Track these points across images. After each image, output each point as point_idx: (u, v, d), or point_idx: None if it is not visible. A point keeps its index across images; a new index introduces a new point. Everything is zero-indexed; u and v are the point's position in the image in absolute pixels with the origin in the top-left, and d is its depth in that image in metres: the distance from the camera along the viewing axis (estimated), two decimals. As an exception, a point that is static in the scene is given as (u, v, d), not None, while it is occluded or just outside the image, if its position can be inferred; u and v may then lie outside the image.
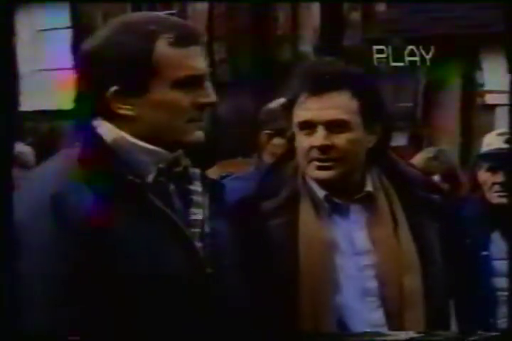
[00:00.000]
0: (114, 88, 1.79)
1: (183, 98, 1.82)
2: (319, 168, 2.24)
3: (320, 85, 2.23)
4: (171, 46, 1.81)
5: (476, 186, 3.35)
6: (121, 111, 1.80)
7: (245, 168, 3.34)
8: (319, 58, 2.47)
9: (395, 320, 2.23)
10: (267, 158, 3.21)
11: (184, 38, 1.83)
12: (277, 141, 3.20)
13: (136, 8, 11.29)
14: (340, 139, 2.22)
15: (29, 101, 10.91)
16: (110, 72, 1.80)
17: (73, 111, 1.88)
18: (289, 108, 2.31)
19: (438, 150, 4.13)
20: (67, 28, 11.93)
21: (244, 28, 10.77)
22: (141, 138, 1.82)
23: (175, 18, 1.92)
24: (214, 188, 1.96)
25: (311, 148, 2.23)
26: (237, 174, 3.19)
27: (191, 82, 1.82)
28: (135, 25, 1.84)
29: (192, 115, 1.84)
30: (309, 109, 2.23)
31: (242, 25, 10.77)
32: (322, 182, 2.27)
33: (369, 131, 2.27)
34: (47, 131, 11.57)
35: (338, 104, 2.23)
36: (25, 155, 4.48)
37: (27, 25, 11.17)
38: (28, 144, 5.81)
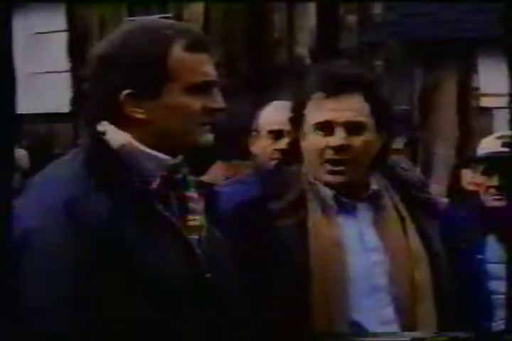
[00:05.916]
0: (127, 91, 1.79)
1: (194, 103, 1.83)
2: (331, 172, 2.28)
3: (338, 87, 2.27)
4: (185, 51, 1.82)
5: (459, 187, 3.35)
6: (134, 115, 1.80)
7: (243, 171, 3.34)
8: (335, 60, 2.49)
9: (405, 315, 2.25)
10: (265, 161, 3.21)
11: (198, 44, 1.84)
12: (278, 143, 3.19)
13: (132, 11, 11.30)
14: (357, 141, 2.27)
15: (25, 104, 10.90)
16: (125, 75, 1.80)
17: (80, 114, 1.89)
18: (299, 109, 2.33)
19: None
20: (63, 30, 11.95)
21: (240, 30, 10.78)
22: (148, 143, 1.82)
23: (188, 24, 1.94)
24: (209, 195, 1.98)
25: (327, 148, 2.27)
26: (237, 177, 3.20)
27: (203, 88, 1.84)
28: (151, 30, 1.84)
29: (202, 119, 1.85)
30: (328, 109, 2.27)
31: (237, 28, 10.78)
32: (332, 186, 2.30)
33: (379, 135, 2.32)
34: (43, 133, 11.58)
35: (355, 106, 2.27)
36: (19, 158, 4.47)
37: (23, 27, 11.17)
38: (24, 147, 5.81)
